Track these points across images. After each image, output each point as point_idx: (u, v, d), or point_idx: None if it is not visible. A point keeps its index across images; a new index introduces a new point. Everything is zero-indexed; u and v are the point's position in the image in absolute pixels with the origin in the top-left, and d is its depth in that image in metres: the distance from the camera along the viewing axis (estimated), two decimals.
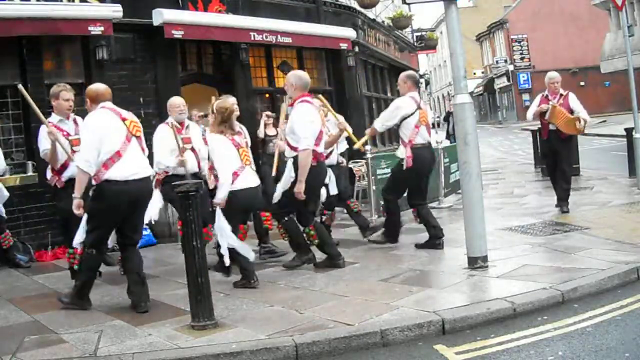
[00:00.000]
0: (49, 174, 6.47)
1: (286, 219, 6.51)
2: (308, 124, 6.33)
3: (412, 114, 7.09)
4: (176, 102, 7.30)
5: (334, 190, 7.54)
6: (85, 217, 5.26)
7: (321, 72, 13.47)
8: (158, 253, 8.16)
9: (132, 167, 5.18)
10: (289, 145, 6.49)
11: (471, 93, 6.75)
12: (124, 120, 5.30)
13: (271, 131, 9.31)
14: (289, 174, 6.40)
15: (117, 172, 5.09)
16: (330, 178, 7.44)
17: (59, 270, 7.42)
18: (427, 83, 43.64)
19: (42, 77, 8.82)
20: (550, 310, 4.83)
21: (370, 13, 16.22)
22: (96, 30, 8.72)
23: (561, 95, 8.90)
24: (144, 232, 8.39)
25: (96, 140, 5.07)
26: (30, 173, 8.57)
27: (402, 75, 7.55)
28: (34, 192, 8.49)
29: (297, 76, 6.65)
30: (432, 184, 10.65)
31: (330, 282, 5.99)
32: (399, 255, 6.94)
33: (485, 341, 4.34)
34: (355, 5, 14.71)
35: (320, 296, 5.49)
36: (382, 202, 8.97)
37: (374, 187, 9.18)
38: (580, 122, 8.64)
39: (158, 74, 9.90)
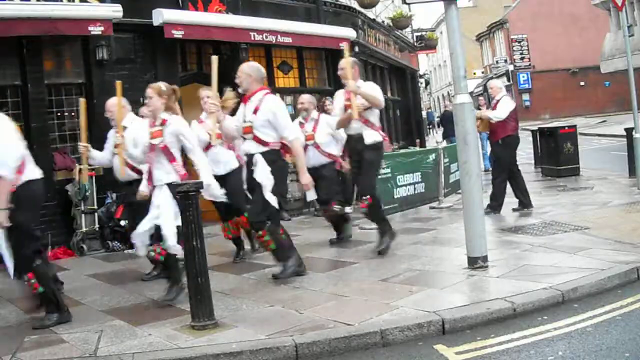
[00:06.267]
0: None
1: (269, 224, 6.02)
2: (287, 115, 6.07)
3: None
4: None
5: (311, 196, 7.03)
6: (5, 233, 4.86)
7: (321, 72, 13.48)
8: None
9: (34, 166, 5.06)
10: (258, 140, 5.96)
11: (471, 93, 6.71)
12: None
13: None
14: (262, 170, 5.90)
15: (32, 173, 4.96)
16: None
17: (59, 271, 7.41)
18: (427, 83, 43.78)
19: (42, 77, 8.83)
20: (550, 310, 4.83)
21: (370, 13, 16.23)
22: (96, 30, 8.72)
23: (497, 101, 9.21)
24: None
25: (17, 145, 4.85)
26: None
27: (351, 60, 6.83)
28: None
29: (254, 67, 6.19)
30: (432, 184, 10.69)
31: (330, 282, 5.99)
32: (399, 255, 6.94)
33: (485, 341, 4.34)
34: (355, 5, 14.71)
35: (320, 296, 5.49)
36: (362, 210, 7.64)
37: None
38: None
39: (158, 74, 9.90)
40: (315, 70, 13.30)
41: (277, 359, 4.23)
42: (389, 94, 18.60)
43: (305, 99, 7.98)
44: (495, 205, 9.13)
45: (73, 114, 9.12)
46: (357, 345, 4.36)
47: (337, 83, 13.29)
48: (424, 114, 27.14)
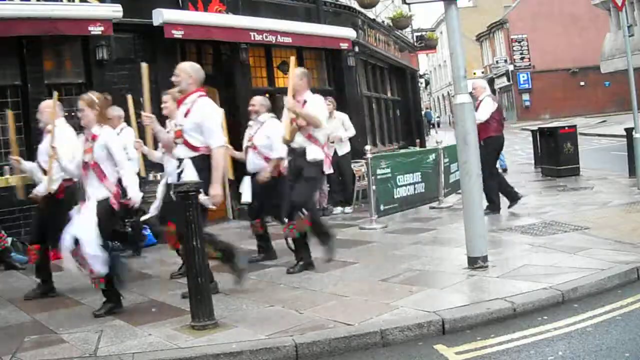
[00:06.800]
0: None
1: (210, 236, 5.56)
2: (218, 120, 5.72)
3: None
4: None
5: (246, 198, 7.05)
6: None
7: (321, 72, 13.48)
8: (158, 253, 8.15)
9: None
10: (188, 144, 5.53)
11: (471, 93, 6.66)
12: None
13: None
14: (189, 176, 5.36)
15: None
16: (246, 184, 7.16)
17: (59, 270, 7.40)
18: (427, 83, 43.91)
19: (42, 77, 8.83)
20: (550, 310, 4.83)
21: (370, 13, 16.22)
22: (96, 30, 8.73)
23: (480, 102, 9.12)
24: (144, 232, 8.41)
25: None
26: None
27: (299, 72, 6.65)
28: None
29: (195, 67, 5.78)
30: (432, 184, 10.70)
31: (330, 282, 5.99)
32: (399, 255, 6.94)
33: (485, 341, 4.34)
34: (355, 5, 14.71)
35: (320, 296, 5.49)
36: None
37: (374, 187, 9.17)
38: None
39: (158, 74, 9.89)
40: (315, 70, 13.28)
41: (277, 359, 4.23)
42: (389, 94, 18.61)
43: (257, 100, 7.47)
44: (493, 205, 9.12)
45: (73, 113, 9.11)
46: (357, 345, 4.36)
47: (337, 83, 13.35)
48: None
